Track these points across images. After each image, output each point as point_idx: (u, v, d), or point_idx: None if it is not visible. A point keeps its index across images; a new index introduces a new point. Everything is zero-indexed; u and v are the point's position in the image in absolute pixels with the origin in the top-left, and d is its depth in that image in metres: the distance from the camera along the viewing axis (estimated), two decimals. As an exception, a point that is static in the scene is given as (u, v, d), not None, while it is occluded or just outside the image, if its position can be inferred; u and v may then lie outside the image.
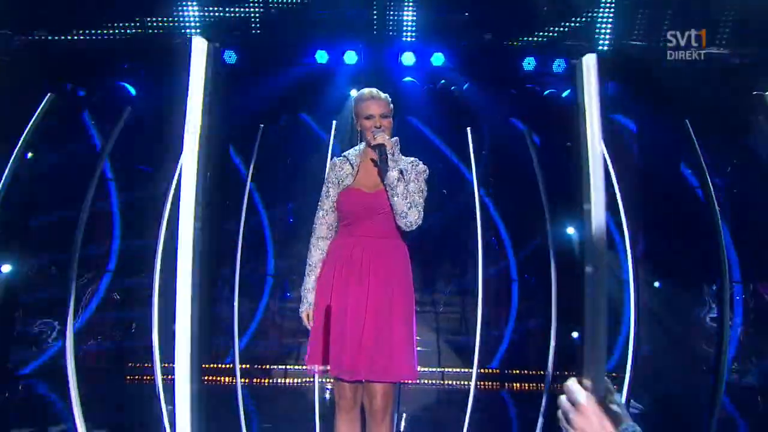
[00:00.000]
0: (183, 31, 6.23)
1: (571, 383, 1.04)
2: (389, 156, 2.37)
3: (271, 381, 7.10)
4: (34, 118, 2.18)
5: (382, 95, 2.56)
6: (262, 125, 3.71)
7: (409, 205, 2.38)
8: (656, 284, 6.90)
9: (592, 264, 1.03)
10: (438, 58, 6.92)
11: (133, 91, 6.07)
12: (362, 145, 2.60)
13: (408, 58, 6.94)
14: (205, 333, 1.14)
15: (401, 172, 2.44)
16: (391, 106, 2.55)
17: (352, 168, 2.55)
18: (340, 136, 4.41)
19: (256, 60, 6.78)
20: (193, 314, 1.10)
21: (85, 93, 5.96)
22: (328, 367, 2.42)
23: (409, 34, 6.77)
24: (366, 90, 2.56)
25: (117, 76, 6.00)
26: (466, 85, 6.85)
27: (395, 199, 2.37)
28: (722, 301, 2.90)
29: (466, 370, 6.83)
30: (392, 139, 2.48)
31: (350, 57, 6.96)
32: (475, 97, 6.87)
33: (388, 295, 2.41)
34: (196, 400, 1.09)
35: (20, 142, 2.16)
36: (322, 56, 6.96)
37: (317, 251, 2.55)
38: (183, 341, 1.12)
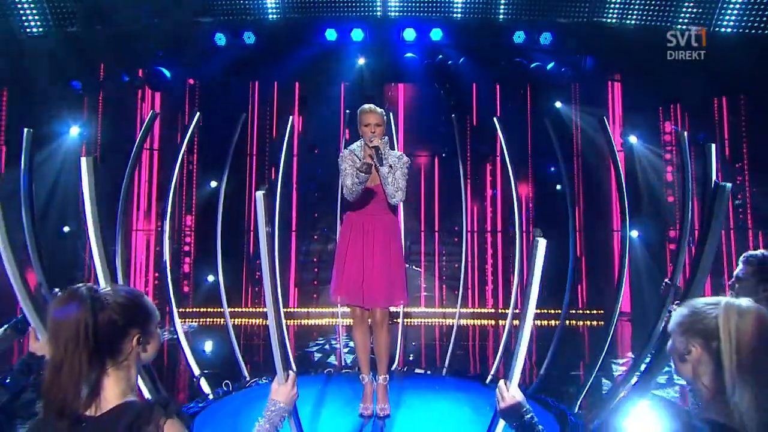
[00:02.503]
0: (204, 19, 6.98)
1: (501, 383, 1.80)
2: (382, 155, 3.29)
3: (296, 322, 8.24)
4: (140, 135, 3.00)
5: (378, 110, 3.44)
6: (291, 116, 4.56)
7: (396, 189, 3.34)
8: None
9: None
10: (437, 33, 7.64)
11: (168, 74, 6.92)
12: (362, 142, 3.52)
13: (409, 34, 7.67)
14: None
15: (390, 166, 3.37)
16: (384, 117, 3.48)
17: (359, 161, 3.48)
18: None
19: (271, 40, 7.48)
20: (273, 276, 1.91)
21: (128, 78, 6.82)
22: (345, 298, 3.47)
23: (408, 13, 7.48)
24: (366, 105, 3.51)
25: (154, 61, 6.82)
26: (462, 59, 7.56)
27: (386, 186, 3.33)
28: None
29: (464, 310, 7.93)
30: (383, 139, 3.39)
31: (357, 34, 7.71)
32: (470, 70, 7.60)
33: (386, 251, 3.44)
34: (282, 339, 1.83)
35: (132, 157, 2.95)
36: (331, 35, 7.71)
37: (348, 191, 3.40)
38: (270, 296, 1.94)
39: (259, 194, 1.80)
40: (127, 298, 1.48)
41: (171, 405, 1.42)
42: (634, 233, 8.00)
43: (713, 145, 2.91)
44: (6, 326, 2.55)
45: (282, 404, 1.77)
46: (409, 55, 7.69)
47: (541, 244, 1.79)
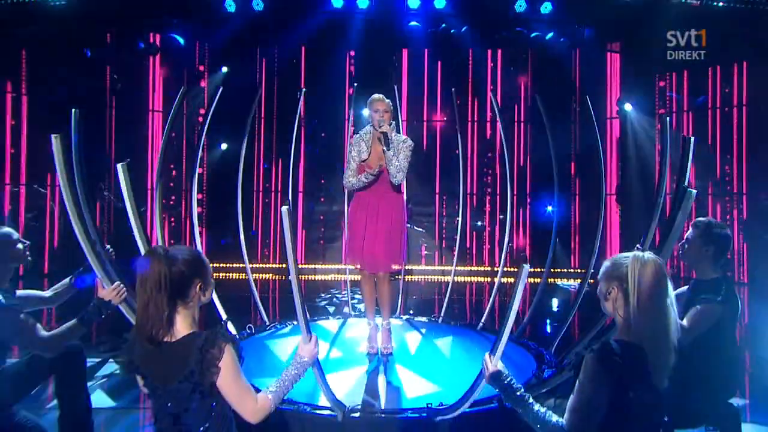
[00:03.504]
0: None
1: (486, 356, 2.16)
2: (389, 140, 3.71)
3: (305, 277, 8.79)
4: (173, 109, 3.36)
5: (386, 99, 3.89)
6: (304, 89, 4.93)
7: (398, 171, 3.78)
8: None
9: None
10: (440, 2, 7.83)
11: (182, 41, 7.20)
12: (370, 128, 3.93)
13: (413, 2, 7.86)
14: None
15: (395, 151, 3.78)
16: (391, 106, 3.91)
17: (367, 147, 3.91)
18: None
19: (279, 6, 7.69)
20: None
21: (144, 45, 7.11)
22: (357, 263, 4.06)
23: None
24: (376, 95, 3.89)
25: (168, 29, 7.10)
26: (464, 28, 7.79)
27: (390, 168, 3.78)
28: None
29: (459, 267, 8.40)
30: (391, 124, 3.80)
31: (362, 1, 7.91)
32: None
33: (390, 224, 3.92)
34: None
35: (165, 132, 3.31)
36: (337, 1, 7.91)
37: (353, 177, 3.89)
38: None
39: (284, 209, 2.03)
40: (191, 255, 1.95)
41: (229, 334, 1.92)
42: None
43: (692, 138, 2.95)
44: (71, 277, 3.06)
45: (306, 359, 2.15)
46: (413, 23, 7.92)
47: (525, 270, 1.97)
